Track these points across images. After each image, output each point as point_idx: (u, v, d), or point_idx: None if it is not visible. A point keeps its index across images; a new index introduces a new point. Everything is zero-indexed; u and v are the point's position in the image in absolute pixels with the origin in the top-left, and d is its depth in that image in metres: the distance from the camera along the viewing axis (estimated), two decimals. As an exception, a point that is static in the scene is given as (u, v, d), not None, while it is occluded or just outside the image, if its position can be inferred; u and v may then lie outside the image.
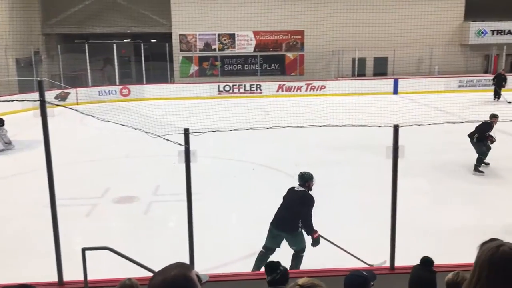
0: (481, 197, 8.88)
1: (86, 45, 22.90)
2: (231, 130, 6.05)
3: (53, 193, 4.68)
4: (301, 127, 6.09)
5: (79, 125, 16.01)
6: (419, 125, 6.11)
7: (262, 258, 5.88)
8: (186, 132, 4.66)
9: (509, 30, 25.31)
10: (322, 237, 5.95)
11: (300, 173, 6.14)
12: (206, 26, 23.71)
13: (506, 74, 21.59)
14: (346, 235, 7.32)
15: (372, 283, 3.06)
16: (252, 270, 5.95)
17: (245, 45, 25.81)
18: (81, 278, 4.74)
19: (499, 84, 20.68)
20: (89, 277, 4.75)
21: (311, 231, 5.78)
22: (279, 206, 6.05)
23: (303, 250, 5.90)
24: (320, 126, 6.31)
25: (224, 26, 23.55)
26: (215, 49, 25.73)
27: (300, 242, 5.84)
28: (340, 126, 6.14)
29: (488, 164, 10.58)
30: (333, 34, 23.15)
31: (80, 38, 24.71)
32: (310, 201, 5.79)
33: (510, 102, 19.10)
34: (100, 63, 25.72)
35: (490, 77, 23.92)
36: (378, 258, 5.91)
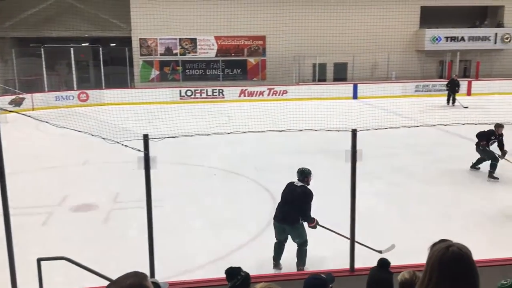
0: (437, 199, 9.15)
1: (42, 49, 22.27)
2: (191, 136, 6.01)
3: (6, 201, 4.52)
4: (262, 132, 6.13)
5: (35, 131, 15.52)
6: (376, 129, 6.25)
7: (278, 248, 6.27)
8: (146, 138, 4.61)
9: (462, 37, 26.31)
10: (320, 225, 6.23)
11: (300, 169, 6.36)
12: (167, 31, 23.52)
13: (459, 79, 22.30)
14: (313, 240, 7.39)
15: (331, 285, 3.11)
16: (273, 259, 6.29)
17: (207, 50, 25.76)
18: (37, 289, 4.59)
19: (452, 89, 21.30)
20: (45, 289, 4.61)
21: (309, 221, 6.16)
22: (279, 201, 6.32)
23: (305, 243, 6.14)
24: (281, 131, 6.37)
25: (185, 30, 23.44)
26: (176, 54, 25.55)
27: (301, 234, 6.11)
28: (300, 130, 6.22)
29: (479, 168, 10.60)
30: (294, 40, 23.48)
31: (36, 42, 24.00)
32: (310, 196, 6.10)
33: (467, 107, 19.49)
34: (63, 68, 25.04)
35: (444, 82, 24.77)
36: (342, 261, 5.98)
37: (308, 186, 6.25)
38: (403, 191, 9.58)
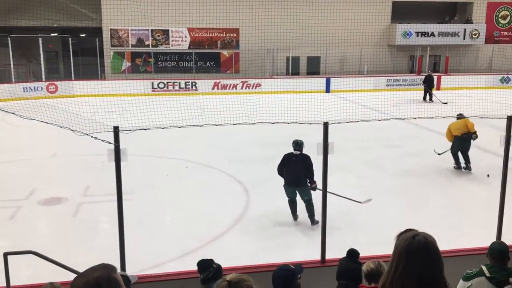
0: (406, 191, 9.32)
1: (9, 38, 21.62)
2: (163, 128, 5.95)
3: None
4: (234, 124, 6.12)
5: (1, 123, 15.13)
6: (347, 122, 6.32)
7: (292, 204, 7.59)
8: (116, 130, 4.54)
9: (432, 32, 26.78)
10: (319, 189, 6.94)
11: (294, 140, 7.60)
12: (139, 22, 23.16)
13: (433, 74, 22.40)
14: (280, 229, 7.45)
15: (299, 276, 3.14)
16: (292, 214, 7.57)
17: (180, 41, 25.50)
18: (3, 284, 4.49)
19: (430, 85, 21.17)
20: (12, 283, 4.51)
21: (313, 181, 7.26)
22: (284, 169, 7.42)
23: (311, 199, 7.32)
24: (253, 124, 6.38)
25: (157, 21, 23.10)
26: (148, 45, 25.21)
27: (309, 193, 7.34)
28: (273, 123, 6.23)
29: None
30: (268, 33, 23.41)
31: (3, 31, 23.29)
32: (310, 159, 7.23)
33: (446, 103, 19.27)
34: (31, 58, 24.32)
35: (415, 77, 25.15)
36: (314, 252, 6.04)
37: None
38: (373, 184, 9.72)
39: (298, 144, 7.48)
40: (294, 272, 3.09)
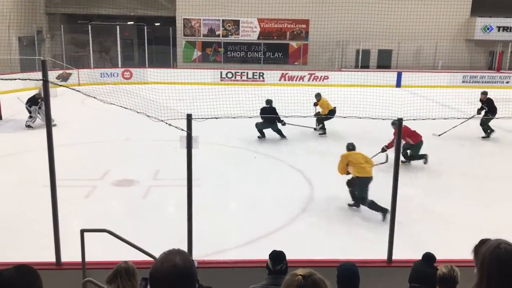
0: (480, 193, 8.86)
1: (90, 26, 22.75)
2: (234, 118, 6.01)
3: (53, 173, 4.66)
4: (305, 117, 6.06)
5: (80, 106, 15.97)
6: (423, 119, 6.06)
7: (263, 133, 12.49)
8: (189, 117, 4.63)
9: (515, 27, 25.11)
10: (288, 123, 11.85)
11: (267, 99, 12.36)
12: (211, 11, 23.54)
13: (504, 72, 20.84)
14: (343, 224, 7.34)
15: None
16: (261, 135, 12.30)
17: (249, 32, 25.65)
18: (79, 259, 4.74)
19: None
20: (87, 259, 4.75)
21: (281, 120, 11.90)
22: (262, 108, 12.00)
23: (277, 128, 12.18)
24: (324, 117, 6.28)
25: (228, 12, 23.37)
26: (218, 35, 25.57)
27: (276, 126, 12.14)
28: (344, 117, 6.11)
29: None
30: (338, 24, 22.98)
31: (84, 18, 24.55)
32: (275, 110, 11.80)
33: None
34: (108, 45, 25.38)
35: (494, 74, 23.69)
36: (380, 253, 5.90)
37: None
38: (443, 183, 9.32)
39: (269, 101, 12.22)
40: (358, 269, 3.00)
